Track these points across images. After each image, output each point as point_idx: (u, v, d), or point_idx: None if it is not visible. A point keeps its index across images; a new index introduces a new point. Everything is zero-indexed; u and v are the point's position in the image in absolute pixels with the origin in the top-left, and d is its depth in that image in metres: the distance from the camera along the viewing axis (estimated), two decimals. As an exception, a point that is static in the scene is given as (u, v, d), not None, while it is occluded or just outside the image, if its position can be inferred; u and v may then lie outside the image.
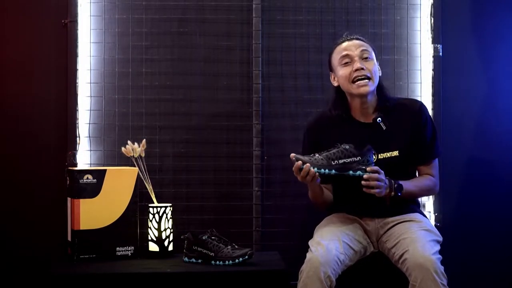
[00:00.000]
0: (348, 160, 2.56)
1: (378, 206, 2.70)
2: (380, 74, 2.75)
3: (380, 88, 2.75)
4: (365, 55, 2.70)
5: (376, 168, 2.56)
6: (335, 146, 2.59)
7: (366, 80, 2.67)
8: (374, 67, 2.71)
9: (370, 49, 2.73)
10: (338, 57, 2.73)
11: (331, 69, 2.79)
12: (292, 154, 2.59)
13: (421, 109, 2.74)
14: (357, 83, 2.68)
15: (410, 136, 2.71)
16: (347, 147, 2.57)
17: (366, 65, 2.69)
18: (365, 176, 2.54)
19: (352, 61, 2.70)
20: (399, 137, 2.70)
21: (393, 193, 2.59)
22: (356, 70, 2.68)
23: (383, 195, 2.58)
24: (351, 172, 2.56)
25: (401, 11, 3.27)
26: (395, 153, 2.69)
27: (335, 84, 2.77)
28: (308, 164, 2.55)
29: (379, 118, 2.71)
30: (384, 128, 2.70)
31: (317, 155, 2.59)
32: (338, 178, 2.70)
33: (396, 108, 2.74)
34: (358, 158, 2.56)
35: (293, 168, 2.58)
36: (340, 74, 2.72)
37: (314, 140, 2.76)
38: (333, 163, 2.56)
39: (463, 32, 3.29)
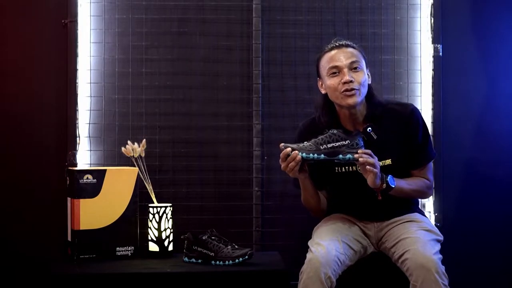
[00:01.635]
0: (337, 144, 2.53)
1: (376, 210, 2.68)
2: (370, 82, 2.69)
3: (369, 95, 2.68)
4: (354, 66, 2.62)
5: (367, 150, 2.52)
6: (323, 133, 2.57)
7: (354, 91, 2.61)
8: (363, 77, 2.63)
9: (360, 57, 2.65)
10: (326, 66, 2.65)
11: (318, 75, 2.72)
12: (282, 144, 2.57)
13: (412, 113, 2.68)
14: (344, 93, 2.61)
15: (402, 143, 2.67)
16: (335, 131, 2.55)
17: (355, 76, 2.61)
18: (356, 155, 2.50)
19: (340, 72, 2.62)
20: (391, 145, 2.66)
21: (384, 185, 2.54)
22: (345, 83, 2.60)
23: (376, 186, 2.53)
24: (341, 156, 2.52)
25: (401, 11, 3.27)
26: (388, 161, 2.65)
27: (323, 91, 2.71)
28: (295, 151, 2.52)
29: (369, 128, 2.66)
30: (375, 137, 2.65)
31: (305, 142, 2.57)
32: (334, 179, 2.70)
33: (386, 114, 2.68)
34: (346, 142, 2.53)
35: (281, 155, 2.56)
36: (328, 84, 2.65)
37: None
38: (321, 148, 2.54)
39: (463, 32, 3.29)
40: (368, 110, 2.68)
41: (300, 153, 2.53)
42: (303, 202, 2.77)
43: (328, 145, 2.54)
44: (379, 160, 2.57)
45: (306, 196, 2.73)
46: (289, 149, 2.54)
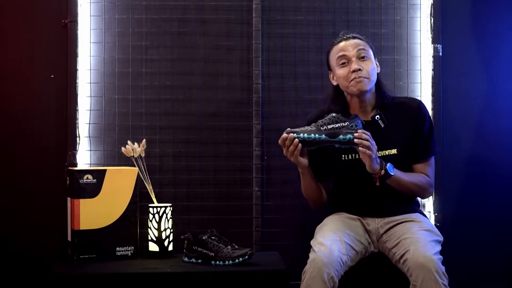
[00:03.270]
0: (337, 125, 2.59)
1: (378, 204, 2.70)
2: (379, 71, 2.77)
3: (378, 85, 2.77)
4: (362, 55, 2.71)
5: (366, 131, 2.57)
6: (323, 117, 2.64)
7: (363, 78, 2.68)
8: (371, 66, 2.71)
9: (367, 47, 2.74)
10: (335, 57, 2.74)
11: (329, 68, 2.81)
12: (287, 129, 2.62)
13: (420, 107, 2.76)
14: (354, 80, 2.69)
15: (408, 134, 2.72)
16: (335, 114, 2.62)
17: (363, 65, 2.70)
18: (356, 134, 2.56)
19: (349, 61, 2.71)
20: (398, 135, 2.71)
21: (383, 171, 2.58)
22: (354, 71, 2.68)
23: (374, 170, 2.56)
24: (341, 136, 2.57)
25: (401, 11, 3.27)
26: (394, 151, 2.70)
27: (334, 83, 2.79)
28: (292, 134, 2.58)
29: (378, 116, 2.73)
30: (382, 126, 2.71)
31: (306, 126, 2.63)
32: (338, 166, 2.72)
33: (395, 106, 2.76)
34: (346, 123, 2.59)
35: (279, 141, 2.61)
36: (338, 75, 2.73)
37: None
38: (322, 129, 2.60)
39: (463, 32, 3.29)
40: (377, 100, 2.76)
41: (302, 135, 2.58)
42: (303, 191, 2.80)
43: (328, 126, 2.60)
44: (385, 149, 2.66)
45: (306, 185, 2.76)
46: (285, 134, 2.60)
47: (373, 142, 2.57)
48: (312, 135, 2.59)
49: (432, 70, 3.24)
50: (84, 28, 3.18)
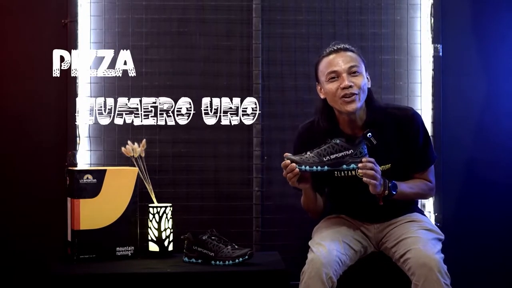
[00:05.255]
0: (340, 154, 2.50)
1: (376, 212, 2.67)
2: (369, 86, 2.65)
3: (369, 100, 2.64)
4: (353, 70, 2.58)
5: (370, 159, 2.49)
6: (325, 142, 2.53)
7: (354, 96, 2.56)
8: (362, 82, 2.58)
9: (358, 61, 2.61)
10: (325, 71, 2.61)
11: (317, 80, 2.68)
12: (286, 154, 2.54)
13: (413, 118, 2.66)
14: (343, 99, 2.57)
15: (402, 148, 2.64)
16: (338, 141, 2.51)
17: (354, 81, 2.57)
18: (360, 165, 2.48)
19: (339, 76, 2.58)
20: (391, 150, 2.63)
21: (386, 191, 2.52)
22: (344, 88, 2.56)
23: (378, 192, 2.51)
24: (344, 166, 2.49)
25: (401, 11, 3.27)
26: (387, 166, 2.62)
27: (322, 96, 2.66)
28: (293, 163, 2.49)
29: (369, 134, 2.60)
30: (375, 143, 2.59)
31: (308, 153, 2.52)
32: (333, 182, 2.68)
33: (386, 119, 2.65)
34: (350, 151, 2.50)
35: (281, 164, 2.53)
36: (327, 89, 2.61)
37: (304, 147, 2.63)
38: (324, 160, 2.50)
39: (463, 32, 3.29)
40: (367, 115, 2.65)
41: (304, 167, 2.50)
42: (302, 205, 2.75)
43: (331, 156, 2.50)
44: (379, 164, 2.55)
45: (307, 201, 2.72)
46: (288, 161, 2.51)
47: (378, 169, 2.49)
48: (314, 167, 2.49)
49: (432, 70, 3.24)
50: (84, 28, 3.18)
